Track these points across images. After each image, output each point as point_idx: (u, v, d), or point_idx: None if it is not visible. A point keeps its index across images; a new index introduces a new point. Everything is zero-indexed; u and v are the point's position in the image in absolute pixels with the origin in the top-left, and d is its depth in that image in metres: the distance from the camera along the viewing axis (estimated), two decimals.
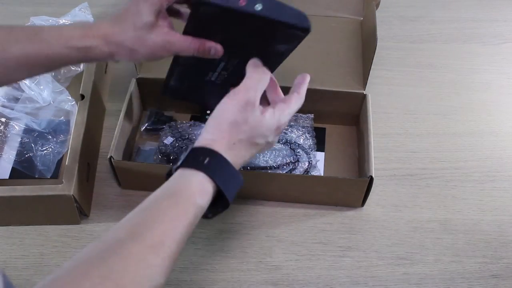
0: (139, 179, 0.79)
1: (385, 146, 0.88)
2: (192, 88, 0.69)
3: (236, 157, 0.55)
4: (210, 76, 0.66)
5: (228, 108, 0.56)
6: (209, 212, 0.55)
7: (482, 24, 1.08)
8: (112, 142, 0.77)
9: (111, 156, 0.76)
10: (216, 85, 0.67)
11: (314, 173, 0.83)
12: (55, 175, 0.83)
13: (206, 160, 0.53)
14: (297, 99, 0.60)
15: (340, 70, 0.88)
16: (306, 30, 0.57)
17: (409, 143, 0.89)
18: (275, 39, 0.59)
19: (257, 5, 0.54)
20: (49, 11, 1.02)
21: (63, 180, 0.74)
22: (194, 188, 0.51)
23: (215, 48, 0.58)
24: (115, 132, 0.79)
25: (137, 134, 0.89)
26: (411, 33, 1.06)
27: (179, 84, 0.68)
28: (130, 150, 0.85)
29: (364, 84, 0.85)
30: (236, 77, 0.59)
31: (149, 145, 0.86)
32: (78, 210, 0.77)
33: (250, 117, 0.56)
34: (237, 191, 0.55)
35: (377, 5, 0.93)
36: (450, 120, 0.93)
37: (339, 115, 0.89)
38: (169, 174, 0.55)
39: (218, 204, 0.55)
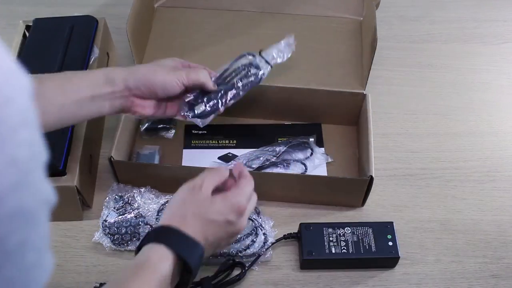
0: (139, 179, 0.79)
1: (385, 146, 0.88)
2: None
3: (193, 231, 0.59)
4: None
5: (178, 193, 0.63)
6: (181, 284, 0.59)
7: (482, 24, 1.08)
8: (112, 142, 0.77)
9: (111, 156, 0.76)
10: None
11: (318, 170, 0.83)
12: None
13: (161, 234, 0.58)
14: (246, 182, 0.65)
15: (340, 70, 0.88)
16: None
17: (409, 143, 0.89)
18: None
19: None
20: (49, 11, 1.02)
21: (66, 171, 0.74)
22: (153, 258, 0.56)
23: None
24: (115, 132, 0.79)
25: (137, 134, 0.89)
26: (411, 33, 1.06)
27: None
28: (130, 151, 0.86)
29: (364, 84, 0.85)
30: None
31: (148, 149, 0.86)
32: (81, 201, 0.77)
33: (197, 196, 0.61)
34: (200, 258, 0.59)
35: (377, 5, 0.93)
36: (450, 120, 0.93)
37: (339, 115, 0.89)
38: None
39: (186, 274, 0.58)
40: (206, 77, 0.72)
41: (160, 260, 0.56)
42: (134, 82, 0.67)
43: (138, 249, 0.59)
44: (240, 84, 0.75)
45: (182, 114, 0.73)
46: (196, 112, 0.73)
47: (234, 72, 0.76)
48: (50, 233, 0.31)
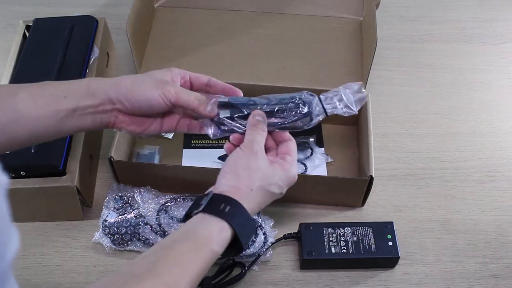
0: (139, 179, 0.79)
1: (385, 146, 0.88)
2: None
3: (253, 203, 0.58)
4: None
5: (241, 157, 0.60)
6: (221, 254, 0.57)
7: (482, 24, 1.08)
8: (112, 142, 0.77)
9: (111, 156, 0.76)
10: None
11: (318, 170, 0.83)
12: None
13: (227, 209, 0.55)
14: (294, 146, 0.63)
15: (340, 70, 0.88)
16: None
17: (409, 143, 0.89)
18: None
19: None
20: (49, 11, 1.02)
21: (66, 171, 0.74)
22: (214, 235, 0.54)
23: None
24: (115, 132, 0.79)
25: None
26: (411, 33, 1.06)
27: None
28: (130, 151, 0.85)
29: (364, 84, 0.85)
30: None
31: (148, 149, 0.86)
32: (81, 201, 0.77)
33: (261, 163, 0.59)
34: (251, 238, 0.58)
35: (377, 5, 0.93)
36: (450, 120, 0.93)
37: (339, 115, 0.89)
38: (188, 216, 0.57)
39: (231, 249, 0.57)
40: (198, 101, 0.62)
41: (222, 243, 0.55)
42: (116, 95, 0.59)
43: (195, 210, 0.56)
44: (278, 113, 0.63)
45: (209, 110, 0.62)
46: (221, 115, 0.63)
47: (277, 100, 0.65)
48: (8, 210, 0.32)
